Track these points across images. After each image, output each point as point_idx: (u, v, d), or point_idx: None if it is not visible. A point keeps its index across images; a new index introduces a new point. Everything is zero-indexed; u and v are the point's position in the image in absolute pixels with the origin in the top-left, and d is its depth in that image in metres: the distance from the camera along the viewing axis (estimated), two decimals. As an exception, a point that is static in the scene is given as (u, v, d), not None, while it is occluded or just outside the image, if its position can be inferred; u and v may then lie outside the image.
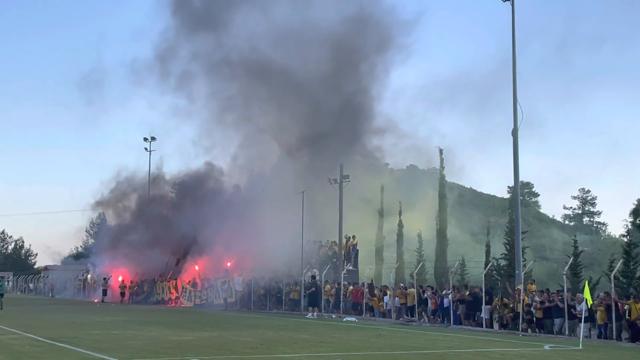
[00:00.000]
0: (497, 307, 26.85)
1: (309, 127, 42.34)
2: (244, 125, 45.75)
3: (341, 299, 34.38)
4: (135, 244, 52.08)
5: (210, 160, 51.43)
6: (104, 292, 50.93)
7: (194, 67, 47.93)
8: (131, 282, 51.17)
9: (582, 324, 20.88)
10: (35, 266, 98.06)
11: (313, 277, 35.53)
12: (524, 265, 29.91)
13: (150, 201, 56.47)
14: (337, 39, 42.22)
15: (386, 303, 31.67)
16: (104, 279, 52.34)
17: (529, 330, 24.87)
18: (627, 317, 21.77)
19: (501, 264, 39.17)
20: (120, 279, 52.43)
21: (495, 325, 26.65)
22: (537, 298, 25.16)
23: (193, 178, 52.45)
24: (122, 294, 50.01)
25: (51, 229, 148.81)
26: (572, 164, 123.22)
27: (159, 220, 51.66)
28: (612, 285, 23.26)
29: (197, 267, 46.03)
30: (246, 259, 40.79)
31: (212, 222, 42.87)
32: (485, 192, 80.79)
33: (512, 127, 29.30)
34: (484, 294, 27.01)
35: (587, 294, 20.28)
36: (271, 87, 43.29)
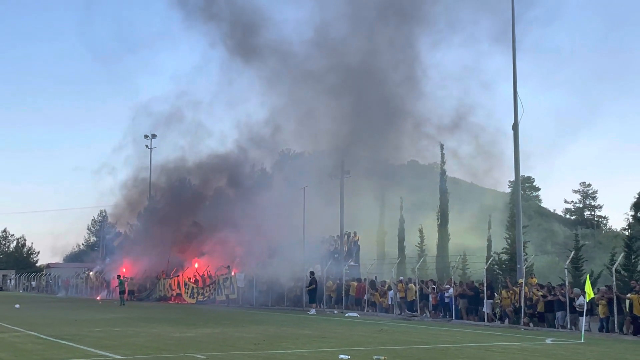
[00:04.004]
0: (500, 301, 26.89)
1: (339, 120, 40.31)
2: (273, 108, 43.85)
3: (343, 295, 34.40)
4: (143, 243, 51.82)
5: (236, 145, 49.41)
6: (122, 292, 49.79)
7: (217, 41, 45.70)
8: (130, 279, 50.85)
9: (583, 318, 20.91)
10: (37, 264, 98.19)
11: (312, 273, 35.49)
12: (526, 260, 29.92)
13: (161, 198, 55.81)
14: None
15: (390, 298, 31.69)
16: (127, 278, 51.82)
17: (531, 324, 24.90)
18: (627, 310, 21.80)
19: (502, 258, 39.21)
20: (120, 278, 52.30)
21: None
22: (538, 292, 25.19)
23: (215, 163, 50.81)
24: (132, 292, 49.71)
25: (50, 226, 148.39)
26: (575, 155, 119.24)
27: (169, 215, 51.05)
28: (614, 279, 23.28)
29: (196, 265, 45.98)
30: (255, 251, 40.34)
31: (227, 212, 42.35)
32: (486, 186, 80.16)
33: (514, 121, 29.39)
34: (485, 288, 27.04)
35: (588, 287, 20.30)
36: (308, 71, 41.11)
